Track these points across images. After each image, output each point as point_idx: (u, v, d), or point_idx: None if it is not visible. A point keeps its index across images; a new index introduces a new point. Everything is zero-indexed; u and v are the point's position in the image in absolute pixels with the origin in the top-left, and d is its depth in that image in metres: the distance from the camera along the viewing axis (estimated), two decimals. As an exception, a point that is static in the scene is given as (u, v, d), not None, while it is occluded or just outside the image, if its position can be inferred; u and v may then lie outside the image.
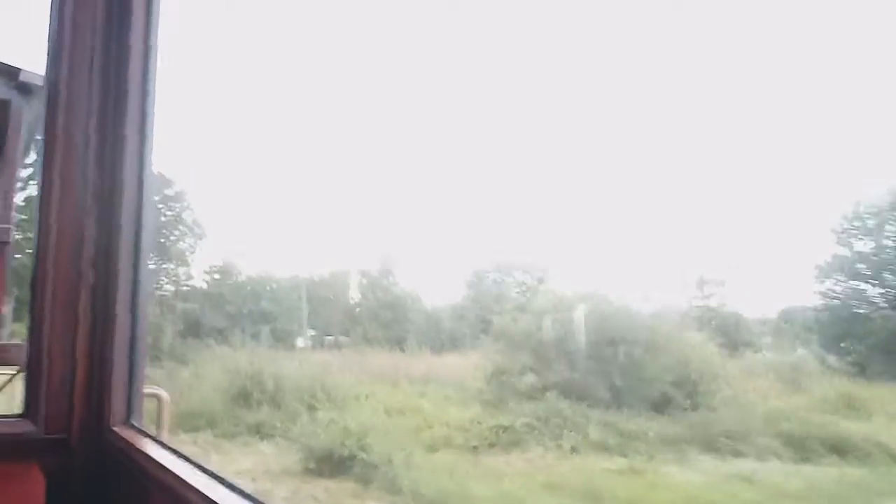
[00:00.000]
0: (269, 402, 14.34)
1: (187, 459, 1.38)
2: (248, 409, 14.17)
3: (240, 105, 32.07)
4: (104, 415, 1.75)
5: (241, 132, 33.07)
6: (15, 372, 4.92)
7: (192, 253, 27.87)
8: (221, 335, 23.71)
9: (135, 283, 1.86)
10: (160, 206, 26.81)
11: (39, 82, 4.83)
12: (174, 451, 1.44)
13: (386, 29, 28.68)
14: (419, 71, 28.62)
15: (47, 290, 1.80)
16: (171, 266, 27.32)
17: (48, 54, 1.98)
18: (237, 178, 35.20)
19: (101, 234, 1.87)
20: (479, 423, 13.35)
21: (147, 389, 1.88)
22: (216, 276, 27.57)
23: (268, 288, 27.20)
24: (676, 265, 22.68)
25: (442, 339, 25.66)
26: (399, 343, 23.87)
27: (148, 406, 4.21)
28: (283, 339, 25.24)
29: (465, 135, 29.12)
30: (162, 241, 26.71)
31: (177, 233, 27.61)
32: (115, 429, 1.72)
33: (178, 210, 27.77)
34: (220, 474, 1.24)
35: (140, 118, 1.94)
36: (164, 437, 1.78)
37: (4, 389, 5.10)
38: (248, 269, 27.89)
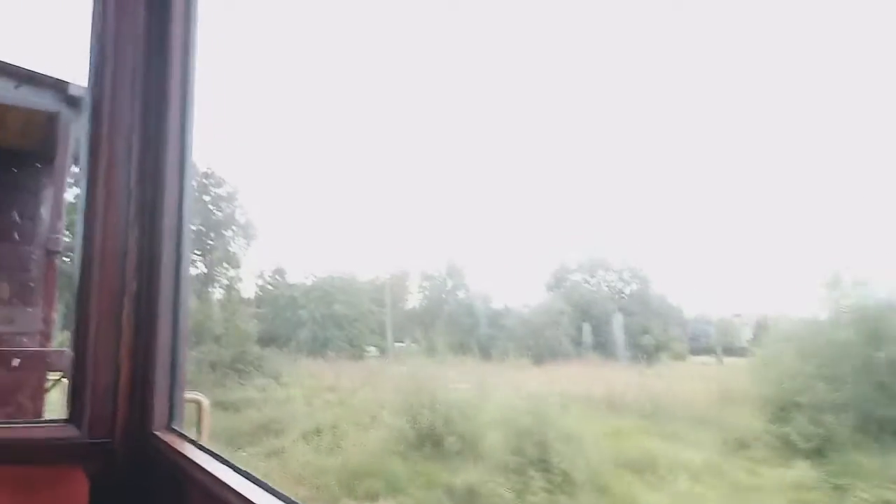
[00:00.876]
0: (470, 451, 10.32)
1: (225, 462, 1.44)
2: (442, 462, 10.29)
3: (299, 105, 32.22)
4: (146, 419, 1.85)
5: (298, 132, 33.06)
6: (58, 378, 5.12)
7: (245, 254, 27.75)
8: (296, 342, 23.16)
9: (176, 290, 1.96)
10: (210, 206, 26.94)
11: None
12: (213, 454, 1.51)
13: (450, 26, 28.52)
14: (484, 65, 28.26)
15: (92, 299, 1.90)
16: (223, 269, 27.24)
17: (90, 67, 2.08)
18: (294, 180, 35.34)
19: (144, 243, 1.96)
20: (833, 493, 8.87)
21: (188, 395, 1.96)
22: (277, 277, 27.01)
23: (340, 291, 26.05)
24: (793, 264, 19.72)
25: (538, 347, 23.15)
26: (483, 351, 21.72)
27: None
28: (355, 348, 23.98)
29: (535, 131, 28.54)
30: (211, 242, 26.55)
31: (228, 234, 27.57)
32: (157, 433, 1.81)
33: (229, 211, 27.75)
34: (256, 476, 1.30)
35: (180, 127, 2.03)
36: (204, 442, 1.85)
37: (44, 395, 5.31)
38: (312, 272, 27.19)
